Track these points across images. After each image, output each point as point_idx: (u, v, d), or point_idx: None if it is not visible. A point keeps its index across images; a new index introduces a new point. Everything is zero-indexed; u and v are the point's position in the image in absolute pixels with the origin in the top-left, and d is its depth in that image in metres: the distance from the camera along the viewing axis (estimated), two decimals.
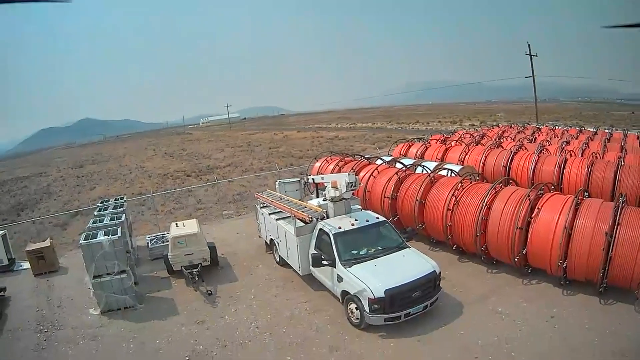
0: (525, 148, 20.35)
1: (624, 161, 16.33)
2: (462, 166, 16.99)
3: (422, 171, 15.59)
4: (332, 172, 17.20)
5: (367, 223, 10.71)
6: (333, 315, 9.94)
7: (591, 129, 31.09)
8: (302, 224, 11.17)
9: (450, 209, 12.14)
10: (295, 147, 51.73)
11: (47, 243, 14.44)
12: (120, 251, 11.00)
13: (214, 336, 9.54)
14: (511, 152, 18.49)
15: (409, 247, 10.40)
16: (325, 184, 11.82)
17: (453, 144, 22.93)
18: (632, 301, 9.12)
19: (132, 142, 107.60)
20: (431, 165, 16.39)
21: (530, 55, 42.25)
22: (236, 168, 38.66)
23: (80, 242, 10.95)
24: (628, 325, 8.47)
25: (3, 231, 15.34)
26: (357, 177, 11.32)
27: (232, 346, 9.12)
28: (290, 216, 11.60)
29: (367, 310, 8.86)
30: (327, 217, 11.09)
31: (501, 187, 11.92)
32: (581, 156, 18.66)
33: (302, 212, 11.40)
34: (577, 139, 24.83)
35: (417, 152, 22.35)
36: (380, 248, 10.15)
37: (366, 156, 19.28)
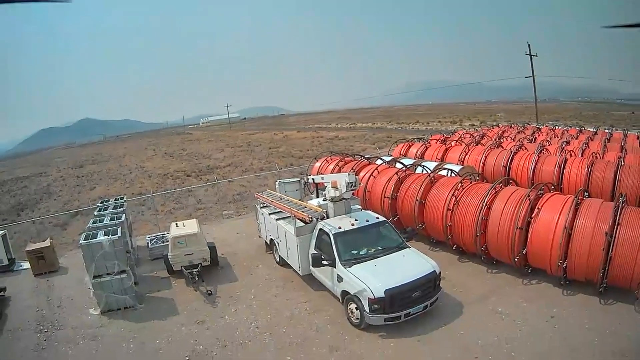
0: (525, 148, 20.35)
1: (624, 161, 16.34)
2: (462, 166, 16.99)
3: (422, 171, 15.59)
4: (332, 172, 17.20)
5: (367, 223, 10.71)
6: (333, 315, 9.94)
7: (591, 129, 31.10)
8: (302, 224, 11.16)
9: (450, 209, 12.14)
10: (295, 147, 51.74)
11: (47, 243, 14.44)
12: (120, 251, 11.00)
13: (214, 336, 9.54)
14: (511, 152, 18.49)
15: (409, 247, 10.40)
16: (325, 184, 11.82)
17: (453, 144, 22.93)
18: (632, 301, 9.12)
19: (132, 142, 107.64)
20: (431, 165, 16.39)
21: (530, 55, 42.26)
22: (236, 168, 38.67)
23: (80, 242, 10.95)
24: (628, 325, 8.47)
25: (3, 231, 15.34)
26: (357, 177, 11.33)
27: (232, 346, 9.12)
28: (290, 216, 11.60)
29: (367, 310, 8.86)
30: (327, 217, 11.08)
31: (501, 187, 11.92)
32: (581, 156, 18.66)
33: (302, 212, 11.40)
34: (577, 139, 24.83)
35: (417, 152, 22.35)
36: (380, 248, 10.15)
37: (366, 156, 19.28)
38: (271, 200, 13.21)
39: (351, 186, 10.84)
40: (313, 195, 13.90)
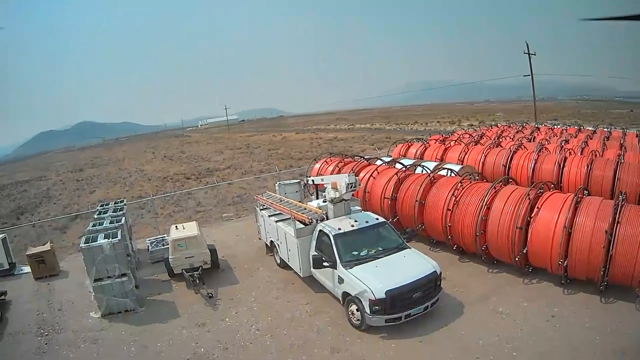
0: (525, 147, 20.37)
1: (623, 159, 16.35)
2: (461, 166, 17.01)
3: (422, 171, 15.59)
4: (331, 173, 17.20)
5: (367, 224, 10.70)
6: (334, 316, 9.93)
7: (590, 128, 31.12)
8: (302, 226, 11.16)
9: (450, 209, 12.14)
10: (294, 148, 51.73)
11: (47, 247, 14.44)
12: (120, 254, 11.00)
13: (215, 339, 9.54)
14: (510, 151, 18.49)
15: (409, 248, 10.40)
16: (325, 185, 11.81)
17: (452, 144, 22.94)
18: (632, 299, 9.13)
19: (131, 145, 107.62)
20: (431, 165, 16.40)
21: (529, 54, 42.33)
22: (236, 170, 38.66)
23: (81, 245, 10.95)
24: (629, 324, 8.47)
25: (3, 235, 15.31)
26: (357, 177, 11.33)
27: (233, 349, 9.12)
28: (290, 218, 11.59)
29: (368, 312, 8.85)
30: (327, 219, 11.08)
31: (501, 186, 11.92)
32: (580, 154, 18.67)
33: (302, 213, 11.39)
34: (576, 137, 24.85)
35: (416, 152, 22.38)
36: (380, 249, 10.15)
37: (365, 157, 19.29)
38: (271, 202, 13.20)
39: (351, 187, 10.82)
40: (313, 196, 13.90)
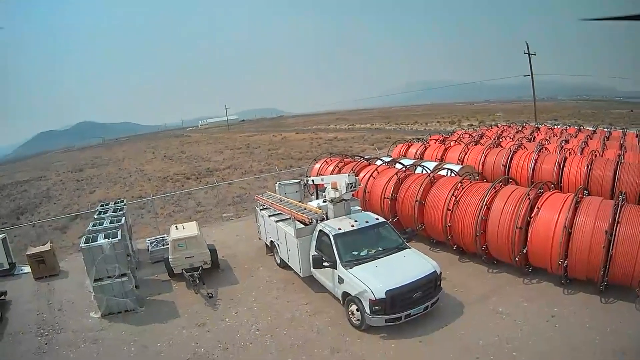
0: (525, 147, 20.37)
1: (623, 159, 16.35)
2: (461, 166, 17.01)
3: (422, 171, 15.59)
4: (331, 174, 17.20)
5: (366, 224, 10.69)
6: (334, 316, 9.93)
7: (590, 128, 31.12)
8: (302, 226, 11.16)
9: (450, 209, 12.14)
10: (294, 148, 51.73)
11: (47, 247, 14.45)
12: (120, 254, 11.00)
13: (215, 339, 9.54)
14: (510, 151, 18.49)
15: (409, 248, 10.40)
16: (325, 185, 11.81)
17: (452, 144, 22.94)
18: (632, 299, 9.13)
19: (131, 145, 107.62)
20: (431, 165, 16.40)
21: (529, 54, 42.34)
22: (236, 170, 38.66)
23: (81, 245, 10.95)
24: (629, 324, 8.47)
25: (3, 235, 15.31)
26: (357, 177, 11.33)
27: (233, 348, 9.12)
28: (290, 218, 11.59)
29: (368, 312, 8.85)
30: (327, 219, 11.08)
31: (501, 186, 11.92)
32: (580, 154, 18.67)
33: (302, 213, 11.39)
34: (576, 137, 24.85)
35: (416, 152, 22.38)
36: (380, 249, 10.14)
37: (365, 157, 19.29)
38: (271, 202, 13.20)
39: (351, 187, 10.82)
40: (313, 196, 13.90)
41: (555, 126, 33.82)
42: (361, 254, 9.94)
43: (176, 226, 13.56)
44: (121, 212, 13.98)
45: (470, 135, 27.09)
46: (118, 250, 10.94)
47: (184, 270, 12.30)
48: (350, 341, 8.94)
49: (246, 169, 38.78)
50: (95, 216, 13.85)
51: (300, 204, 12.64)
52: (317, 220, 10.94)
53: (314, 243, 10.85)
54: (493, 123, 42.06)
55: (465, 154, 19.98)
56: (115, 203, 15.41)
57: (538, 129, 30.91)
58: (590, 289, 9.76)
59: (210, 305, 11.13)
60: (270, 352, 8.89)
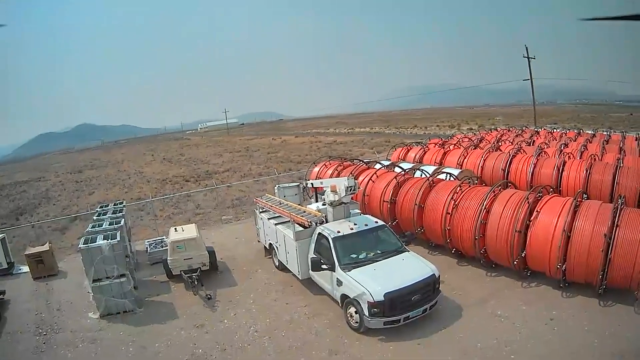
0: (524, 151, 20.39)
1: (622, 163, 16.38)
2: (460, 170, 17.04)
3: (421, 175, 15.61)
4: (330, 177, 17.22)
5: (366, 227, 10.71)
6: (332, 319, 9.93)
7: (589, 132, 31.17)
8: (301, 229, 11.17)
9: (449, 213, 12.15)
10: (293, 152, 51.76)
11: (46, 247, 14.45)
12: (119, 255, 11.00)
13: (214, 340, 9.53)
14: (510, 155, 18.52)
15: (408, 251, 10.42)
16: (325, 188, 11.83)
17: (451, 147, 22.98)
18: (631, 302, 9.15)
19: (130, 148, 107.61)
20: (430, 169, 16.43)
21: (528, 58, 42.47)
22: (235, 173, 38.67)
23: (80, 246, 10.96)
24: (627, 327, 8.48)
25: (2, 235, 15.33)
26: (356, 181, 11.34)
27: (231, 350, 9.11)
28: (289, 221, 11.60)
29: (367, 314, 8.85)
30: (326, 222, 11.09)
31: (500, 190, 11.95)
32: (580, 158, 18.70)
33: (301, 216, 11.39)
34: (575, 141, 24.90)
35: (415, 156, 22.42)
36: (379, 252, 10.16)
37: (365, 160, 19.32)
38: (270, 204, 13.20)
39: (350, 190, 10.83)
40: (312, 199, 13.91)
41: (555, 130, 33.89)
42: (360, 256, 9.95)
43: (175, 228, 13.56)
44: (120, 213, 13.99)
45: (469, 139, 27.12)
46: (117, 251, 10.94)
47: (182, 272, 12.30)
48: (348, 343, 8.94)
49: (245, 172, 38.79)
50: (95, 217, 13.85)
51: (299, 206, 12.65)
52: (316, 223, 10.94)
53: (312, 246, 10.86)
54: (493, 127, 42.14)
55: (465, 157, 20.01)
56: (114, 204, 15.41)
57: (537, 132, 30.97)
58: (588, 293, 9.76)
59: (208, 307, 11.13)
60: (268, 353, 8.88)
